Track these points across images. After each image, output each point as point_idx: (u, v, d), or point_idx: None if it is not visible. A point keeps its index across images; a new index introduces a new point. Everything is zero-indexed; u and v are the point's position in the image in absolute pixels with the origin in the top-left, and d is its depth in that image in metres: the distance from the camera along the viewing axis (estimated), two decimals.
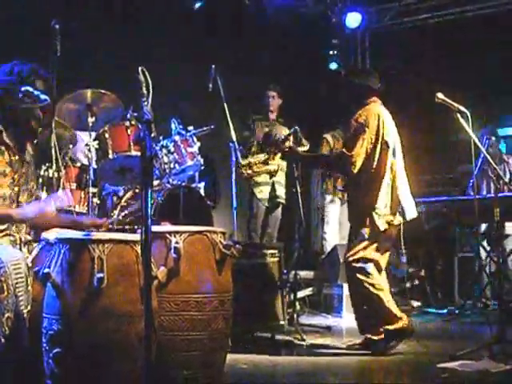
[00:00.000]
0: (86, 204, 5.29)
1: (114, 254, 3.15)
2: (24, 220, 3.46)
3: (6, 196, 3.56)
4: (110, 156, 5.27)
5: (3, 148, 3.55)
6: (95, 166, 5.29)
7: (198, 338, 3.38)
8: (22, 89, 3.49)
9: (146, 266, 2.80)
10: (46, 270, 3.13)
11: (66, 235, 3.28)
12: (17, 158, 3.61)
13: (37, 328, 3.14)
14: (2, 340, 3.08)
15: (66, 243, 3.18)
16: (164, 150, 5.38)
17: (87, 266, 3.10)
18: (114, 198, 5.57)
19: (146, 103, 3.15)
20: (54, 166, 4.98)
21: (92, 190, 5.23)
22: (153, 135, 3.19)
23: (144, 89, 3.18)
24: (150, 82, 3.18)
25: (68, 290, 3.09)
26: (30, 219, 3.44)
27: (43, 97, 3.53)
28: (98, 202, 5.41)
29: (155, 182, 5.44)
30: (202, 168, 5.61)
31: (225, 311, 3.48)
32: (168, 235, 3.48)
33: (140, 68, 3.19)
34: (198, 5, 7.10)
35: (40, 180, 5.17)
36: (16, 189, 3.63)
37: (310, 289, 6.74)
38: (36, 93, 3.51)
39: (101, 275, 3.07)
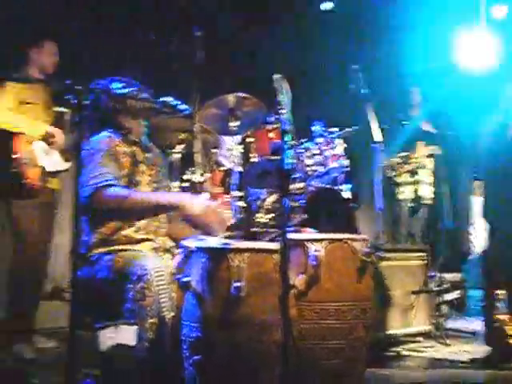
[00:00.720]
0: (231, 208, 5.36)
1: (253, 263, 3.17)
2: (191, 213, 3.44)
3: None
4: (254, 159, 5.33)
5: (134, 148, 3.73)
6: (239, 170, 5.35)
7: (338, 347, 3.35)
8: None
9: (284, 275, 2.81)
10: (186, 279, 3.21)
11: (206, 244, 3.34)
12: (148, 155, 3.80)
13: (179, 334, 3.22)
14: (146, 344, 3.19)
15: (205, 252, 3.24)
16: (307, 153, 5.39)
17: (226, 275, 3.14)
18: (258, 202, 5.61)
19: (283, 111, 3.15)
20: (199, 171, 5.09)
21: (236, 193, 5.28)
22: (292, 143, 3.17)
23: (281, 96, 3.18)
24: (287, 89, 3.18)
25: (207, 298, 3.14)
26: (196, 214, 3.43)
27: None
28: (244, 205, 5.46)
29: (299, 185, 5.43)
30: (346, 170, 5.56)
31: (365, 320, 3.43)
32: (307, 243, 3.46)
33: (276, 76, 3.19)
34: (327, 5, 6.98)
35: (186, 184, 5.31)
36: (154, 185, 3.80)
37: (457, 292, 6.55)
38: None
39: (239, 284, 3.10)
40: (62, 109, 5.25)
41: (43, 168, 5.03)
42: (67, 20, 6.02)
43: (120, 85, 3.75)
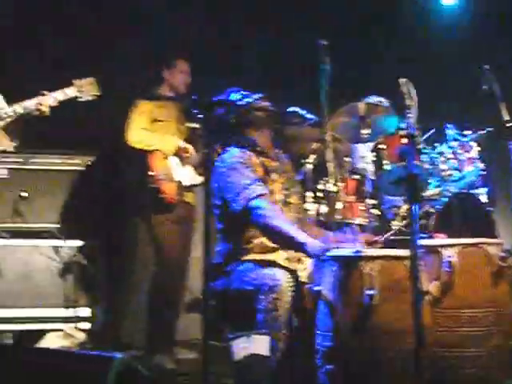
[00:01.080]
0: (365, 215, 5.36)
1: (385, 271, 3.18)
2: (309, 255, 3.51)
3: (279, 200, 3.85)
4: (387, 167, 5.32)
5: (263, 158, 3.85)
6: (373, 178, 5.35)
7: (475, 355, 3.28)
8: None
9: (415, 282, 2.82)
10: (318, 288, 3.25)
11: (337, 253, 3.38)
12: (276, 164, 3.92)
13: (311, 344, 3.27)
14: (279, 354, 3.26)
15: (336, 261, 3.28)
16: (441, 157, 5.32)
17: (358, 284, 3.16)
18: (394, 209, 5.59)
19: (410, 116, 3.15)
20: (332, 180, 5.12)
21: (371, 201, 5.28)
22: (419, 147, 3.16)
23: (408, 100, 3.18)
24: (414, 93, 3.18)
25: (339, 307, 3.18)
26: (316, 255, 3.48)
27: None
28: (378, 213, 5.46)
29: (434, 191, 5.37)
30: (482, 173, 5.44)
31: (503, 327, 3.35)
32: (440, 249, 3.43)
33: (401, 79, 3.20)
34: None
35: (319, 194, 5.36)
36: (285, 192, 3.91)
37: None
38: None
39: (372, 292, 3.12)
40: (194, 124, 5.43)
41: (179, 182, 5.22)
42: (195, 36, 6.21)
43: (241, 96, 3.86)
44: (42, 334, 5.32)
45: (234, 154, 3.78)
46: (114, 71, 5.71)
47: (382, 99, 5.72)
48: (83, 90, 4.60)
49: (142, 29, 6.11)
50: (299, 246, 3.50)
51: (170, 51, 5.66)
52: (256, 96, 3.89)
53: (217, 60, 6.21)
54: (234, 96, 3.86)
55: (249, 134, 3.89)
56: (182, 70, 5.50)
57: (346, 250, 3.41)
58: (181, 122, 5.47)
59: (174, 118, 5.44)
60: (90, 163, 5.72)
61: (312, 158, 5.48)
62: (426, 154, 5.28)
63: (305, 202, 4.81)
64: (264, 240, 3.71)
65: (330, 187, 5.16)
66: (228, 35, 6.39)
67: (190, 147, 5.30)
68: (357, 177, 5.56)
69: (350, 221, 5.25)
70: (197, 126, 5.42)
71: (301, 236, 3.54)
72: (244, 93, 3.89)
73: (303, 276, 3.55)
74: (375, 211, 5.38)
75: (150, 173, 5.15)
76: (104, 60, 5.83)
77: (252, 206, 3.59)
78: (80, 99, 4.62)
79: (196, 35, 6.23)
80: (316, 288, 3.28)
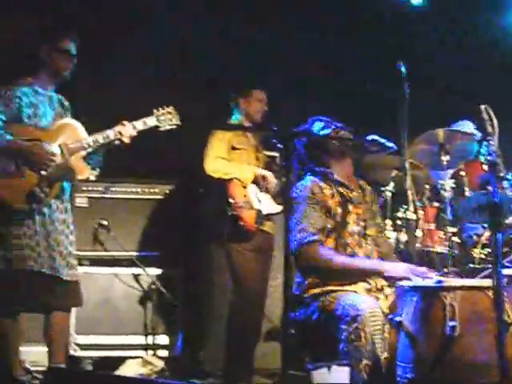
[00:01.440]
0: (445, 244, 5.35)
1: (467, 301, 3.18)
2: (394, 278, 3.62)
3: (355, 232, 3.88)
4: (467, 193, 5.31)
5: (340, 188, 3.90)
6: (453, 205, 5.33)
7: None
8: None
9: (499, 312, 2.82)
10: (399, 318, 3.28)
11: (418, 283, 3.41)
12: (355, 194, 3.92)
13: (393, 374, 3.29)
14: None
15: (417, 291, 3.30)
16: None
17: (439, 314, 3.17)
18: (475, 237, 5.55)
19: (492, 142, 3.17)
20: (412, 208, 5.13)
21: (450, 229, 5.26)
22: (501, 174, 3.18)
23: (489, 127, 3.21)
24: (494, 119, 3.20)
25: (421, 338, 3.19)
26: (401, 278, 3.58)
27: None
28: (458, 241, 5.44)
29: None
30: None
31: None
32: None
33: (483, 106, 3.23)
34: None
35: (399, 222, 5.37)
36: (362, 223, 3.92)
37: None
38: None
39: (453, 323, 3.12)
40: (273, 153, 5.51)
41: (259, 211, 5.30)
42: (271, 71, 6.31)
43: (321, 125, 3.93)
44: (121, 361, 5.46)
45: (304, 184, 3.85)
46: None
47: (470, 123, 5.73)
48: (163, 119, 4.70)
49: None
50: (373, 272, 3.58)
51: (247, 82, 5.77)
52: (337, 125, 3.95)
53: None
54: (316, 125, 3.94)
55: (328, 163, 3.94)
56: (258, 98, 5.60)
57: (427, 280, 3.43)
58: (259, 150, 5.58)
59: (251, 146, 5.54)
60: (168, 192, 5.87)
61: (391, 185, 5.53)
62: (507, 179, 5.24)
63: (384, 230, 4.82)
64: None
65: (410, 215, 5.19)
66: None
67: (268, 175, 5.38)
68: (436, 204, 5.56)
69: (430, 249, 5.26)
70: (276, 154, 5.51)
71: (370, 262, 3.63)
72: (326, 121, 3.96)
73: (384, 306, 3.57)
74: (455, 239, 5.36)
75: (229, 200, 5.24)
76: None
77: (304, 248, 3.69)
78: (160, 129, 4.72)
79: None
80: (397, 318, 3.29)
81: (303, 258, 3.69)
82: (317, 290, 3.74)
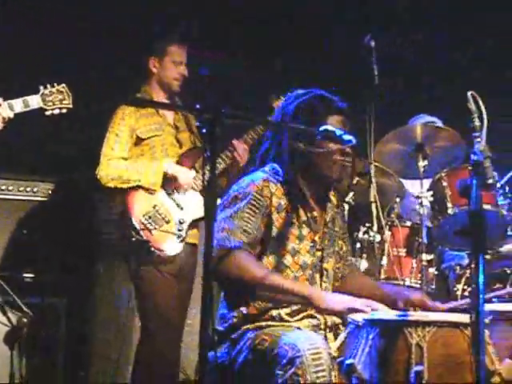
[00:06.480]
0: (418, 276, 5.46)
1: (438, 341, 3.29)
2: (326, 310, 3.71)
3: (307, 264, 3.92)
4: (449, 211, 5.39)
5: (298, 206, 3.92)
6: (430, 226, 5.45)
7: None
8: (321, 129, 3.77)
9: (479, 356, 2.94)
10: (350, 361, 3.37)
11: (376, 316, 3.50)
12: (315, 214, 3.96)
13: None
14: None
15: (375, 326, 3.38)
16: None
17: (403, 357, 3.27)
18: (457, 268, 5.67)
19: (478, 139, 3.30)
20: (376, 227, 5.24)
21: (426, 257, 5.37)
22: (490, 181, 3.29)
23: (476, 120, 3.34)
24: (483, 110, 3.33)
25: None
26: (335, 312, 3.70)
27: (347, 137, 3.78)
28: (436, 272, 5.56)
29: None
30: None
31: None
32: None
33: (470, 93, 3.36)
34: None
35: (358, 244, 5.50)
36: (319, 254, 3.98)
37: None
38: (338, 133, 3.76)
39: (420, 368, 3.23)
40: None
41: (180, 222, 5.27)
42: None
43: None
44: None
45: (254, 180, 3.87)
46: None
47: (435, 119, 5.83)
48: (50, 99, 4.68)
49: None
50: (300, 297, 3.68)
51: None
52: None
53: None
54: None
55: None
56: (175, 59, 5.54)
57: (388, 313, 3.56)
58: (181, 129, 5.58)
59: (168, 127, 5.51)
60: (52, 191, 5.90)
61: (350, 195, 5.61)
62: (503, 195, 5.36)
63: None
64: (283, 314, 3.83)
65: (373, 236, 5.27)
66: None
67: (181, 172, 5.35)
68: (409, 224, 5.69)
69: (397, 282, 5.39)
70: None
71: (299, 286, 3.73)
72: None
73: (333, 347, 3.63)
74: (432, 270, 5.48)
75: (132, 220, 5.20)
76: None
77: (223, 254, 3.70)
78: (46, 112, 4.75)
79: None
80: (348, 361, 3.38)
81: (222, 265, 3.68)
82: (247, 325, 3.79)
